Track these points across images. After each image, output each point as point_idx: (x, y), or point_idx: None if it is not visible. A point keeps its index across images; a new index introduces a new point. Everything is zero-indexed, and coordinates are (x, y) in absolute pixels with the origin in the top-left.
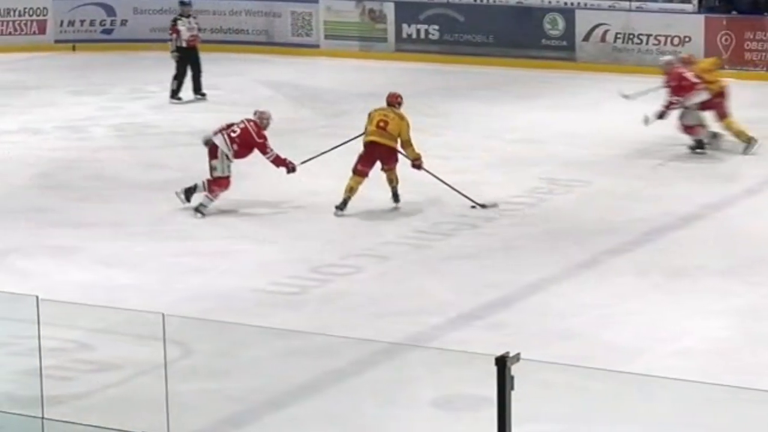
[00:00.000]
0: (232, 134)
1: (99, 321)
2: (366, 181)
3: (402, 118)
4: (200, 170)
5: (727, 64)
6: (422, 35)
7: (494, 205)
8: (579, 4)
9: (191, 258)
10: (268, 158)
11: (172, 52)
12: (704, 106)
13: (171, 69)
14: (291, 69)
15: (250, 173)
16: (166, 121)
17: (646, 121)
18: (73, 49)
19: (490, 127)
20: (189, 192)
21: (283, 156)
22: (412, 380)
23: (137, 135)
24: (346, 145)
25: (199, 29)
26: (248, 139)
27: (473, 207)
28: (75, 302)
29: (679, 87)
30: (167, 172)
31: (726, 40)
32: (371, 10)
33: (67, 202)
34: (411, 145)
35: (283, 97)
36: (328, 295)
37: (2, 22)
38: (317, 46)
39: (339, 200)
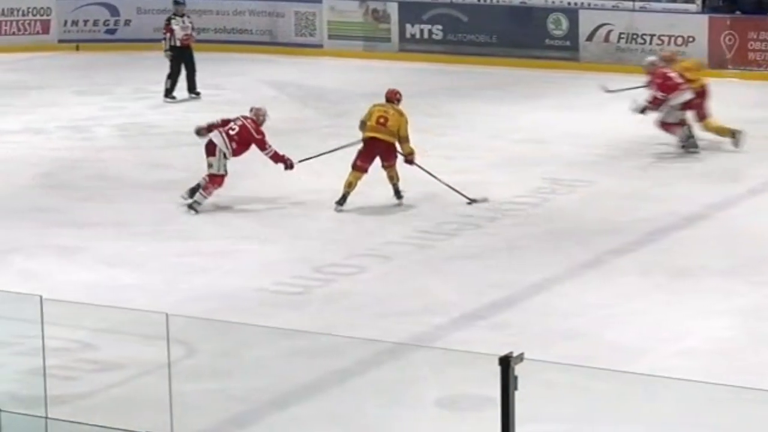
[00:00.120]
0: (231, 132)
1: (103, 321)
2: (367, 181)
3: (401, 114)
4: (203, 170)
5: (731, 64)
6: (426, 35)
7: (484, 200)
8: (582, 4)
9: (195, 258)
10: (266, 154)
11: (166, 51)
12: (685, 105)
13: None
14: (294, 69)
15: (253, 172)
16: (170, 121)
17: (636, 109)
18: (77, 48)
19: (493, 127)
20: (193, 192)
21: (281, 152)
22: (416, 380)
23: (140, 135)
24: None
25: (193, 29)
26: (247, 136)
27: (469, 203)
28: (79, 302)
29: (663, 87)
30: (171, 172)
31: (729, 40)
32: (375, 10)
33: (71, 202)
34: (408, 141)
35: (286, 97)
36: (331, 295)
37: (6, 21)
38: (321, 46)
39: (342, 204)
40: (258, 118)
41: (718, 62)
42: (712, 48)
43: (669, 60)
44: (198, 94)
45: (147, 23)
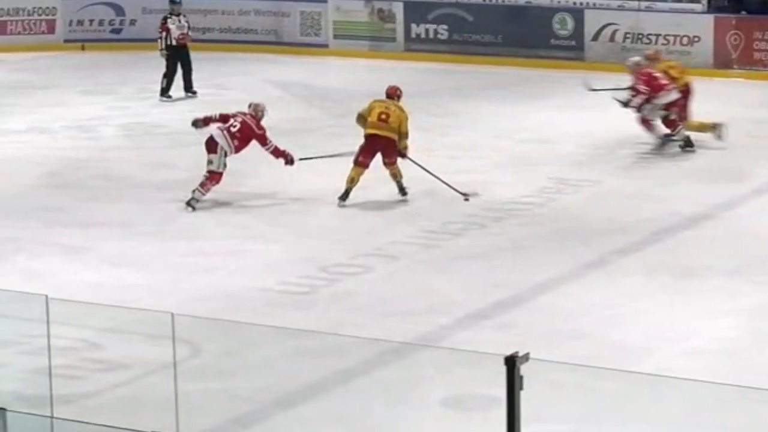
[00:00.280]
0: (233, 129)
1: (108, 320)
2: (372, 180)
3: (402, 110)
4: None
5: (736, 64)
6: (431, 35)
7: (475, 194)
8: (588, 3)
9: (200, 257)
10: (267, 149)
11: (161, 50)
12: (669, 105)
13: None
14: (300, 69)
15: (258, 172)
16: (175, 120)
17: (625, 103)
18: (82, 48)
19: (499, 127)
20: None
21: (281, 148)
22: (421, 380)
23: (145, 135)
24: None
25: (190, 28)
26: (248, 132)
27: (466, 200)
28: (84, 302)
29: (649, 86)
30: (175, 171)
31: (735, 39)
32: (380, 10)
33: (76, 201)
34: (407, 137)
35: (292, 97)
36: (336, 295)
37: (11, 21)
38: (326, 46)
39: (344, 199)
40: (257, 113)
41: (723, 62)
42: (717, 48)
43: (653, 59)
44: (194, 93)
45: (152, 23)
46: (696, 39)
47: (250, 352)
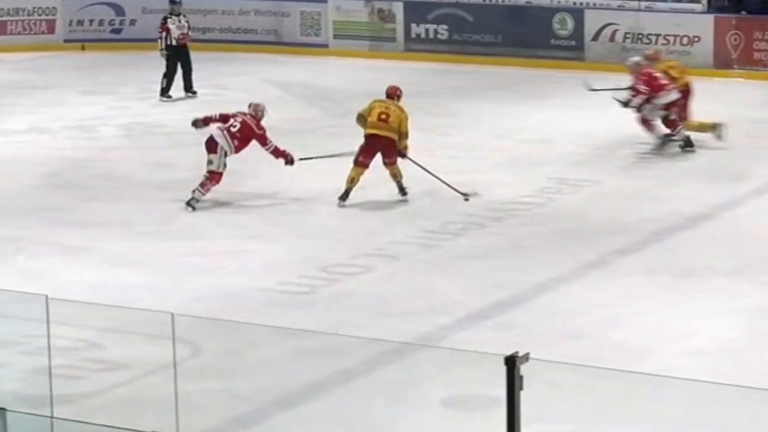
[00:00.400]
0: (233, 129)
1: (108, 320)
2: (371, 181)
3: (402, 110)
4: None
5: (736, 64)
6: (431, 35)
7: (474, 194)
8: (588, 3)
9: (200, 258)
10: (267, 149)
11: (161, 50)
12: (669, 105)
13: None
14: (300, 69)
15: (258, 172)
16: (175, 120)
17: (625, 103)
18: (82, 48)
19: (499, 127)
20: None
21: (281, 147)
22: (422, 380)
23: (146, 135)
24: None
25: (189, 28)
26: (249, 132)
27: (466, 200)
28: (84, 302)
29: (649, 87)
30: (176, 171)
31: (735, 39)
32: (380, 10)
33: (76, 201)
34: (407, 137)
35: (292, 97)
36: (337, 295)
37: (11, 21)
38: (326, 46)
39: (345, 199)
40: (257, 113)
41: (723, 62)
42: (717, 48)
43: (653, 59)
44: (194, 93)
45: (152, 23)
46: (696, 39)
47: (250, 352)
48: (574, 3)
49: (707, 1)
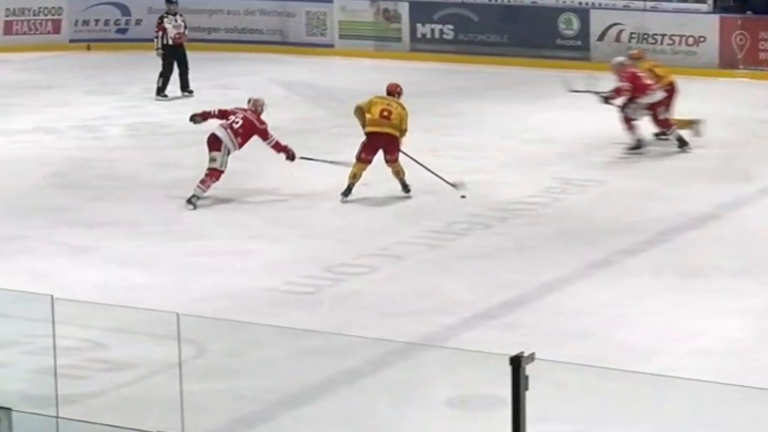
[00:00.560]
0: (235, 126)
1: (113, 320)
2: (374, 181)
3: (403, 107)
4: None
5: (742, 64)
6: (437, 35)
7: (462, 184)
8: (593, 4)
9: (205, 257)
10: (268, 143)
11: (157, 49)
12: (653, 104)
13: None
14: (305, 69)
15: (262, 172)
16: (180, 120)
17: (605, 98)
18: (88, 48)
19: (504, 127)
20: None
21: (283, 143)
22: (427, 380)
23: (151, 134)
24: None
25: (186, 27)
26: (251, 128)
27: (463, 197)
28: (89, 301)
29: (632, 86)
30: (181, 171)
31: (741, 40)
32: (386, 10)
33: (82, 201)
34: (405, 134)
35: (297, 97)
36: (341, 295)
37: (17, 21)
38: (332, 46)
39: (347, 195)
40: (257, 108)
41: (729, 62)
42: (723, 48)
43: (637, 59)
44: (191, 92)
45: None
46: (701, 39)
47: (255, 352)
48: (580, 3)
49: (713, 1)
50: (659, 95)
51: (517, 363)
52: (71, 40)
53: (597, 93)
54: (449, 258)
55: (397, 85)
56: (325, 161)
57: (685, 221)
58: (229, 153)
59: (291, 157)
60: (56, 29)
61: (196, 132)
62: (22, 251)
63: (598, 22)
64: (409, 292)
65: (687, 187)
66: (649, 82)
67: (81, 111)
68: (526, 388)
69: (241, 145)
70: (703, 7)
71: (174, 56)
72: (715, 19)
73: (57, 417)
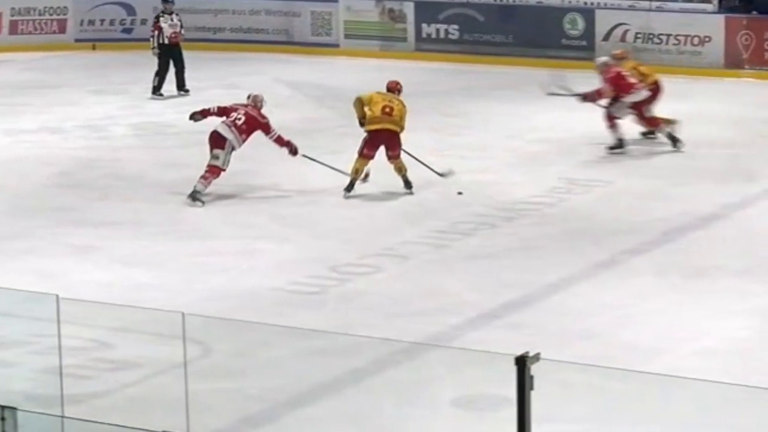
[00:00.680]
0: (238, 122)
1: (119, 320)
2: (377, 181)
3: (404, 104)
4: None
5: (747, 64)
6: (442, 35)
7: (450, 172)
8: (599, 4)
9: (211, 257)
10: (271, 138)
11: (153, 48)
12: (636, 103)
13: (189, 69)
14: (311, 68)
15: (268, 172)
16: (185, 120)
17: (582, 97)
18: (93, 48)
19: (509, 127)
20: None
21: (285, 137)
22: (432, 380)
23: (157, 134)
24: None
25: (182, 26)
26: (253, 124)
27: (460, 193)
28: (95, 301)
29: (618, 87)
30: (187, 171)
31: (746, 39)
32: (391, 10)
33: (87, 201)
34: (402, 131)
35: (302, 97)
36: (347, 295)
37: (23, 21)
38: (337, 46)
39: (350, 191)
40: (257, 103)
41: (734, 62)
42: (728, 48)
43: (621, 59)
44: (187, 91)
45: None
46: (707, 39)
47: (260, 352)
48: (585, 3)
49: (718, 1)
50: (644, 94)
51: (522, 363)
52: (76, 40)
53: (575, 94)
54: (454, 258)
55: (397, 83)
56: (326, 165)
57: (690, 221)
58: (232, 151)
59: (293, 151)
60: (61, 29)
61: (202, 131)
62: (27, 251)
63: (603, 22)
64: (414, 292)
65: (692, 187)
66: (633, 81)
67: (86, 111)
68: (532, 388)
69: (244, 141)
70: (709, 7)
71: (170, 55)
72: (721, 19)
73: (62, 417)
